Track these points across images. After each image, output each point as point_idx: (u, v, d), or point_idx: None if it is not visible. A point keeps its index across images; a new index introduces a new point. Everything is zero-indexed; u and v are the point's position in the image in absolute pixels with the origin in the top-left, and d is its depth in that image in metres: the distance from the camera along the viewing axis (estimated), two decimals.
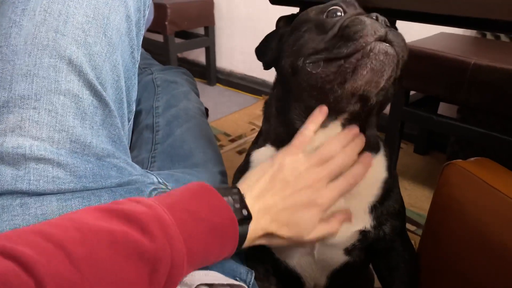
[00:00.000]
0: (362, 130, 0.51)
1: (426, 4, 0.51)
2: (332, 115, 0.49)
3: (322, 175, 0.48)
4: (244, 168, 0.57)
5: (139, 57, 0.56)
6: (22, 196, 0.40)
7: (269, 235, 0.47)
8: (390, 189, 0.54)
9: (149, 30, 1.55)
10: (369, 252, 0.58)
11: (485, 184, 0.47)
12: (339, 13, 0.48)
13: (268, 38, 0.58)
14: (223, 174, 0.68)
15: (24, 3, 0.43)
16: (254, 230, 0.45)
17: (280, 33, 0.56)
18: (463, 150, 1.37)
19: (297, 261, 0.59)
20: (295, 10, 0.66)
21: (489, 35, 1.32)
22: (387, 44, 0.43)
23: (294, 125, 0.51)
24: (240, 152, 1.49)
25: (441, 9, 0.49)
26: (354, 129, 0.51)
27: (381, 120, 0.55)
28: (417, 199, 1.20)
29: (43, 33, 0.43)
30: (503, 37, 1.30)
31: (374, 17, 0.44)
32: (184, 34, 2.14)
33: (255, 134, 0.60)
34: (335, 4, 0.49)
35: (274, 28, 0.61)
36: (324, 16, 0.49)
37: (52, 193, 0.41)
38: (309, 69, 0.47)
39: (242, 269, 0.48)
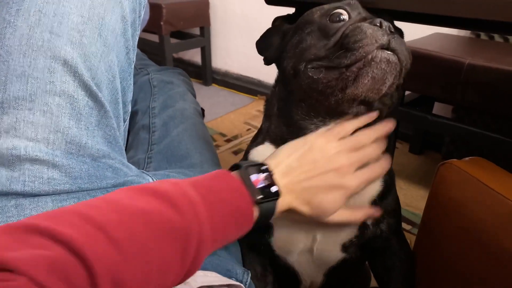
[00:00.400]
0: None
1: (422, 5, 0.51)
2: (335, 116, 0.49)
3: (352, 161, 0.48)
4: None
5: (134, 58, 0.56)
6: (17, 197, 0.40)
7: (291, 209, 0.47)
8: (389, 187, 0.55)
9: (144, 30, 1.55)
10: (366, 250, 0.58)
11: (480, 183, 0.47)
12: (343, 17, 0.48)
13: (269, 33, 0.58)
14: None
15: (19, 3, 0.43)
16: (279, 205, 0.46)
17: (283, 31, 0.56)
18: (458, 149, 1.38)
19: (295, 258, 0.59)
20: (290, 10, 0.66)
21: (483, 35, 1.32)
22: (390, 52, 0.44)
23: (296, 125, 0.51)
24: (236, 153, 1.49)
25: (438, 10, 0.49)
26: (390, 124, 0.52)
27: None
28: (412, 199, 1.21)
29: (38, 33, 0.42)
30: (497, 37, 1.31)
31: (378, 24, 0.44)
32: (179, 34, 2.14)
33: (251, 134, 0.60)
34: (340, 7, 0.49)
35: None
36: (328, 20, 0.48)
37: (47, 194, 0.41)
38: (310, 74, 0.47)
39: (239, 270, 0.48)
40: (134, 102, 0.81)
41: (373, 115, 0.50)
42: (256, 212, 0.44)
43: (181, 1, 1.93)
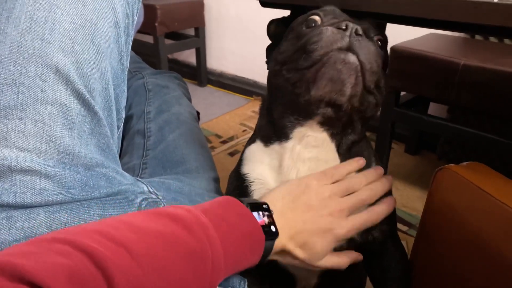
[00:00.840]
0: (345, 132, 0.52)
1: (415, 9, 0.51)
2: (306, 116, 0.50)
3: (345, 206, 0.49)
4: (237, 167, 0.58)
5: (128, 64, 0.55)
6: (8, 209, 0.39)
7: (285, 252, 0.48)
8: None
9: (139, 31, 1.54)
10: (361, 253, 0.58)
11: (478, 188, 0.47)
12: (316, 23, 0.49)
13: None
14: (216, 180, 0.68)
15: (9, 10, 0.42)
16: (274, 244, 0.46)
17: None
18: (454, 150, 1.38)
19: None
20: (285, 12, 0.66)
21: (478, 36, 1.33)
22: (348, 52, 0.44)
23: (276, 123, 0.53)
24: (231, 154, 1.48)
25: (431, 14, 0.49)
26: (379, 169, 0.54)
27: (372, 120, 0.55)
28: (408, 199, 1.21)
29: (29, 41, 0.41)
30: (492, 38, 1.31)
31: (343, 27, 0.45)
32: (174, 35, 2.13)
33: (246, 136, 0.62)
34: (314, 13, 0.50)
35: (264, 29, 0.61)
36: (303, 26, 0.50)
37: (39, 206, 0.40)
38: (283, 75, 0.49)
39: (235, 279, 0.48)
40: (129, 106, 0.80)
41: (361, 163, 0.53)
42: None
43: (176, 2, 1.92)
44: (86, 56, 0.45)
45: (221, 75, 2.21)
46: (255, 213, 0.44)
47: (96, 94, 0.46)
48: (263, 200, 0.48)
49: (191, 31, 2.12)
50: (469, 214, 0.48)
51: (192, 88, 2.10)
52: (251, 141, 0.59)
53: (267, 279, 0.62)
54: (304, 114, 0.50)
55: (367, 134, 0.59)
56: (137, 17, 0.57)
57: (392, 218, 0.58)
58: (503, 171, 0.51)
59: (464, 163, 0.52)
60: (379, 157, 0.60)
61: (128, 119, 0.77)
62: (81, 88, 0.44)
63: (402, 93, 1.30)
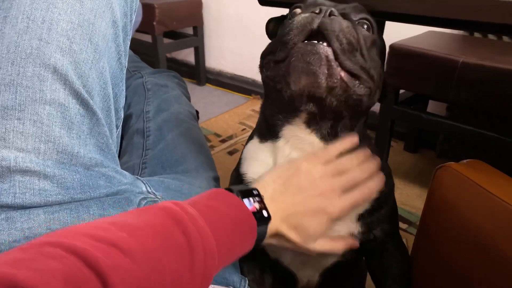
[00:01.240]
0: (335, 131, 0.50)
1: (414, 7, 0.51)
2: (292, 112, 0.49)
3: (337, 185, 0.49)
4: (237, 166, 0.58)
5: (126, 63, 0.55)
6: (7, 210, 0.39)
7: (278, 235, 0.48)
8: (381, 202, 0.54)
9: (137, 30, 1.53)
10: (362, 252, 0.58)
11: (478, 186, 0.47)
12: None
13: None
14: (216, 179, 0.68)
15: (6, 10, 0.42)
16: (268, 228, 0.46)
17: None
18: (453, 148, 1.38)
19: (290, 260, 0.59)
20: (284, 10, 0.65)
21: (476, 33, 1.33)
22: (316, 43, 0.42)
23: (269, 122, 0.52)
24: (231, 153, 1.48)
25: (430, 12, 0.49)
26: (366, 151, 0.53)
27: (371, 118, 0.55)
28: (408, 197, 1.21)
29: (27, 41, 0.41)
30: (491, 35, 1.31)
31: (317, 11, 0.43)
32: (172, 34, 2.12)
33: (246, 134, 0.62)
34: (296, 6, 0.50)
35: (263, 28, 0.61)
36: (289, 19, 0.49)
37: (39, 206, 0.40)
38: (264, 70, 0.49)
39: (236, 277, 0.48)
40: (128, 105, 0.80)
41: (354, 139, 0.50)
42: None
43: (174, 1, 1.92)
44: (84, 55, 0.45)
45: (220, 74, 2.20)
46: (245, 200, 0.44)
47: (95, 94, 0.46)
48: (255, 185, 0.48)
49: (189, 30, 2.12)
50: (469, 212, 0.48)
51: (191, 87, 2.10)
52: (249, 139, 0.59)
53: (268, 279, 0.62)
54: (290, 110, 0.49)
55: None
56: (135, 16, 0.56)
57: (393, 217, 0.58)
58: (502, 169, 0.51)
59: (464, 161, 0.52)
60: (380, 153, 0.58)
61: (127, 119, 0.77)
62: (80, 88, 0.44)
63: (401, 91, 1.30)
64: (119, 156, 0.64)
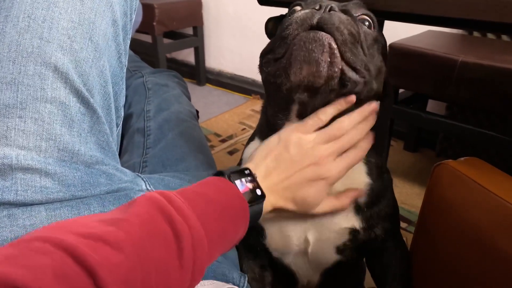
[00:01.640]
0: None
1: (413, 6, 0.51)
2: (286, 104, 0.49)
3: (330, 151, 0.48)
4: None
5: (126, 62, 0.55)
6: (9, 207, 0.39)
7: (277, 209, 0.48)
8: (379, 195, 0.54)
9: (137, 30, 1.54)
10: (362, 251, 0.58)
11: (476, 184, 0.47)
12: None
13: None
14: None
15: (7, 9, 0.42)
16: (264, 206, 0.46)
17: None
18: (453, 147, 1.38)
19: (291, 259, 0.59)
20: (283, 10, 0.66)
21: (476, 33, 1.33)
22: (317, 31, 0.42)
23: (271, 122, 0.53)
24: (231, 153, 1.48)
25: (429, 11, 0.49)
26: (373, 105, 0.50)
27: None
28: (407, 196, 1.21)
29: (27, 40, 0.42)
30: (490, 34, 1.31)
31: (317, 7, 0.44)
32: (172, 35, 2.13)
33: (246, 134, 0.62)
34: (296, 4, 0.50)
35: (263, 28, 0.61)
36: (287, 16, 0.49)
37: (40, 203, 0.40)
38: (264, 68, 0.49)
39: (235, 274, 0.48)
40: (129, 105, 0.80)
41: (351, 99, 0.47)
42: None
43: (174, 1, 1.92)
44: (85, 54, 0.45)
45: (219, 74, 2.21)
46: (237, 182, 0.44)
47: (95, 92, 0.46)
48: (247, 164, 0.48)
49: (189, 30, 2.12)
50: (467, 209, 0.48)
51: (191, 87, 2.10)
52: (250, 139, 0.59)
53: (268, 277, 0.62)
54: (285, 104, 0.49)
55: None
56: (136, 16, 0.57)
57: (394, 217, 0.58)
58: (502, 167, 0.51)
59: (462, 159, 0.53)
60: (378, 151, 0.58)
61: (127, 118, 0.77)
62: (80, 86, 0.44)
63: (401, 90, 1.30)
64: (119, 155, 0.64)
